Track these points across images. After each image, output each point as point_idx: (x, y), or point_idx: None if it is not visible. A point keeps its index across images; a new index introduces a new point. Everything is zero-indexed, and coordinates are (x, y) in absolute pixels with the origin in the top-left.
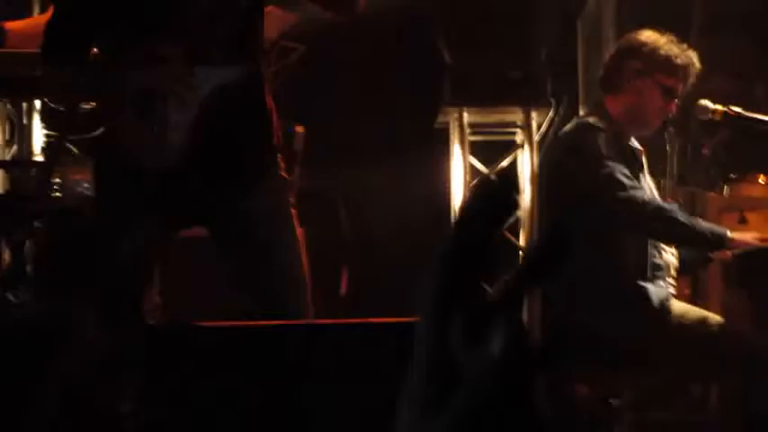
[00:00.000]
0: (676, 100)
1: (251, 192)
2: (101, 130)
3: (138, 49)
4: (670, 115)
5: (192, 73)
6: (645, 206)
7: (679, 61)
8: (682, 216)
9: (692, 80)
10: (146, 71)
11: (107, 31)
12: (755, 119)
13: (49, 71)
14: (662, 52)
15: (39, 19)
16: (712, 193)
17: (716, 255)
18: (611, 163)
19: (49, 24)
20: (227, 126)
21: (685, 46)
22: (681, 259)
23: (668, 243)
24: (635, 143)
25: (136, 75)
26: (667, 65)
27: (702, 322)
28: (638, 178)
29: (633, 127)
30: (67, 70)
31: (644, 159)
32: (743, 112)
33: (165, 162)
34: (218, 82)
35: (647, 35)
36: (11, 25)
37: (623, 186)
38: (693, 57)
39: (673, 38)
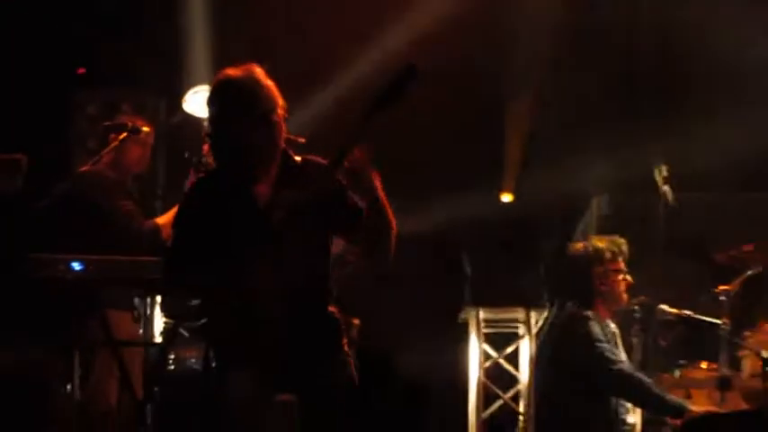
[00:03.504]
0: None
1: (325, 367)
2: (205, 320)
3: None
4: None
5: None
6: (631, 378)
7: (618, 250)
8: (656, 388)
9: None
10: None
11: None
12: (700, 319)
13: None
14: (609, 252)
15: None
16: (666, 375)
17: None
18: (601, 344)
19: (165, 258)
20: (306, 331)
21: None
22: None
23: (642, 407)
24: (611, 325)
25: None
26: (616, 257)
27: None
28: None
29: (610, 310)
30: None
31: (617, 339)
32: (692, 314)
33: (263, 353)
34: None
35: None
36: (159, 220)
37: (613, 362)
38: (623, 244)
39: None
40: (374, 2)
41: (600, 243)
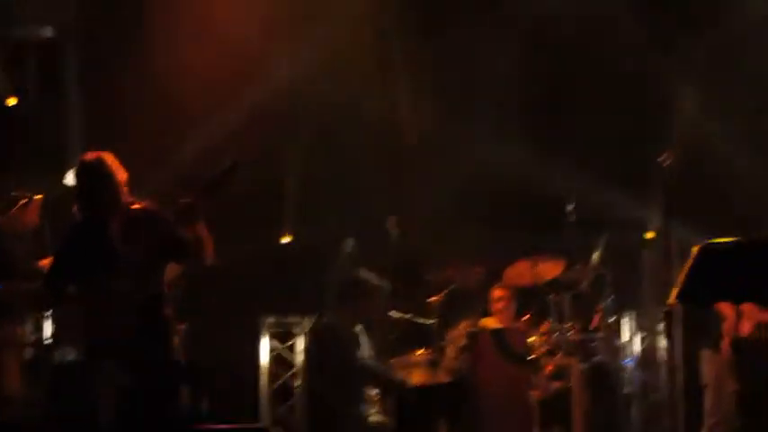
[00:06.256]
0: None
1: (160, 356)
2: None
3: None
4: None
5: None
6: (365, 368)
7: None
8: (385, 372)
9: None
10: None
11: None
12: (417, 321)
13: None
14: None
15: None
16: (395, 358)
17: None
18: (343, 345)
19: (46, 281)
20: (146, 331)
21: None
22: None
23: (377, 386)
24: (359, 327)
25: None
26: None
27: (386, 425)
28: (356, 348)
29: (360, 318)
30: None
31: (362, 338)
32: (411, 316)
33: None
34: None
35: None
36: (43, 262)
37: (355, 359)
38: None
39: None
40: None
41: (375, 281)
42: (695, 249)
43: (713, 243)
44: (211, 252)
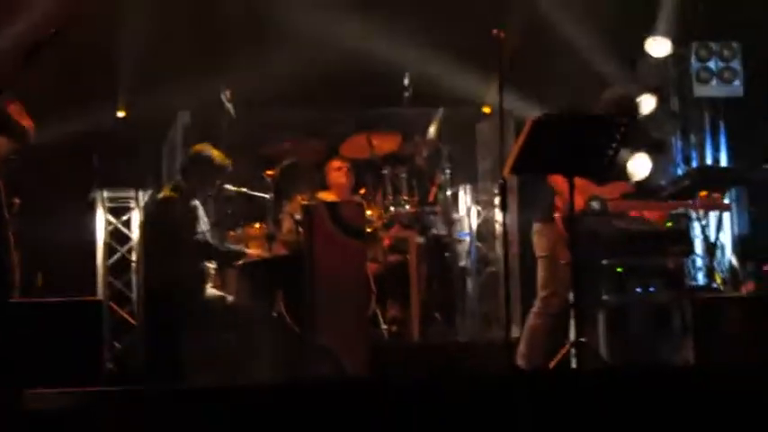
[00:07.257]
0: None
1: None
2: None
3: None
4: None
5: None
6: (202, 242)
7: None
8: (221, 246)
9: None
10: None
11: None
12: (253, 194)
13: None
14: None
15: None
16: (232, 232)
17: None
18: (180, 219)
19: None
20: None
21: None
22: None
23: (212, 260)
24: (195, 201)
25: None
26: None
27: (222, 298)
28: (193, 222)
29: (197, 192)
30: None
31: (199, 211)
32: (247, 190)
33: None
34: None
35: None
36: None
37: (186, 232)
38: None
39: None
40: None
41: (211, 154)
42: (529, 123)
43: (546, 116)
44: (32, 127)
